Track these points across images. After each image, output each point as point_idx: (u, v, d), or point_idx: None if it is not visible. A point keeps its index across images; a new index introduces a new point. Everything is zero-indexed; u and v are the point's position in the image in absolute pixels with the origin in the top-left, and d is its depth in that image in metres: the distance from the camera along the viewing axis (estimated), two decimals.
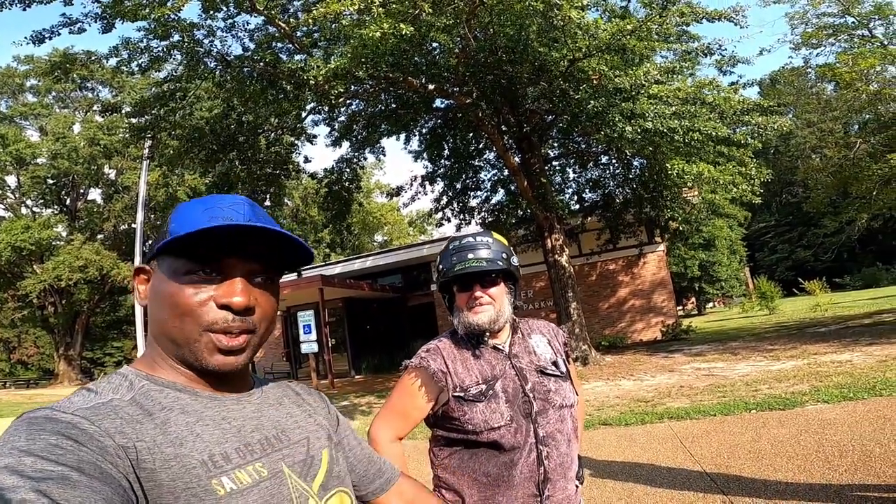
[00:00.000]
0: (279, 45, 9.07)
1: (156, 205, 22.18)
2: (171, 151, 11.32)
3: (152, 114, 10.20)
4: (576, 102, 8.67)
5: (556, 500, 1.23)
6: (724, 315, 25.12)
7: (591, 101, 8.25)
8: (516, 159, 11.36)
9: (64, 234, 25.23)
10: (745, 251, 32.10)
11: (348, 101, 11.18)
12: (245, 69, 8.80)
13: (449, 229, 18.64)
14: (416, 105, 11.43)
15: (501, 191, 13.95)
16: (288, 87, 8.63)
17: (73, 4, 10.19)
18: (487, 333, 1.32)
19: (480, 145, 13.08)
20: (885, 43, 14.22)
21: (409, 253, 17.73)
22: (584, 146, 13.11)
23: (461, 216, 13.98)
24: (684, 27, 9.82)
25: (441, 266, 1.37)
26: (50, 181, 24.80)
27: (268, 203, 12.85)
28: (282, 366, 17.48)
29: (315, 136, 13.33)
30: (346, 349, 16.66)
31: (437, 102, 12.16)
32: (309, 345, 12.65)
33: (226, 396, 0.68)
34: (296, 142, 12.78)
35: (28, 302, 23.98)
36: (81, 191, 26.56)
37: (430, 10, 7.11)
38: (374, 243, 38.07)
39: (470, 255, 1.31)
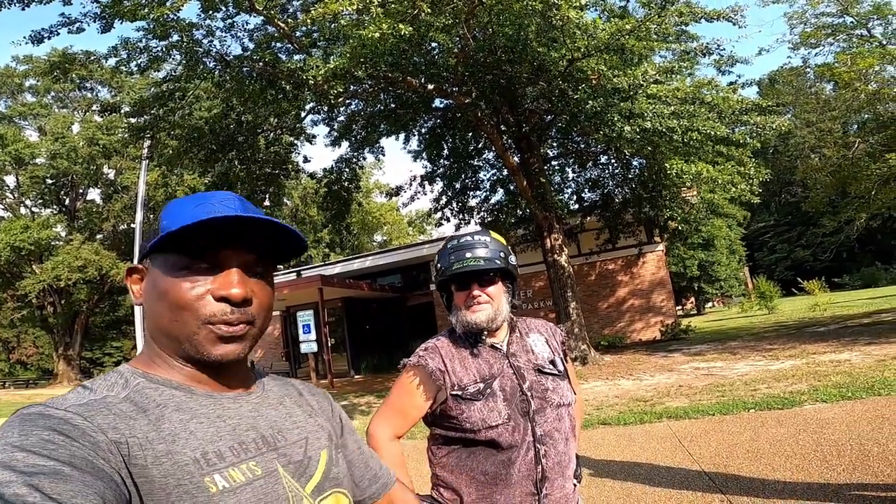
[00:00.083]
0: (278, 44, 9.06)
1: (155, 205, 22.11)
2: (171, 151, 11.31)
3: (151, 114, 10.20)
4: (575, 102, 8.67)
5: (554, 498, 1.23)
6: (723, 315, 25.14)
7: (590, 101, 8.26)
8: (515, 159, 11.36)
9: (63, 234, 25.18)
10: (744, 251, 32.14)
11: (347, 101, 11.16)
12: (244, 69, 8.79)
13: (448, 229, 18.65)
14: (415, 105, 11.42)
15: (501, 190, 13.95)
16: (287, 86, 8.62)
17: (71, 4, 10.20)
18: (485, 332, 1.32)
19: (479, 145, 13.07)
20: (884, 43, 14.25)
21: (408, 253, 17.71)
22: (583, 146, 13.10)
23: (460, 216, 13.96)
24: (683, 27, 9.82)
25: (439, 265, 1.37)
26: (49, 181, 24.73)
27: (267, 203, 12.85)
28: (281, 365, 17.45)
29: (314, 136, 13.39)
30: (346, 349, 16.64)
31: (437, 102, 12.14)
32: (308, 344, 12.66)
33: (223, 395, 0.68)
34: (295, 142, 12.77)
35: (27, 302, 23.92)
36: (80, 191, 26.51)
37: (429, 10, 7.11)
38: (374, 243, 38.05)
39: (468, 254, 1.31)
